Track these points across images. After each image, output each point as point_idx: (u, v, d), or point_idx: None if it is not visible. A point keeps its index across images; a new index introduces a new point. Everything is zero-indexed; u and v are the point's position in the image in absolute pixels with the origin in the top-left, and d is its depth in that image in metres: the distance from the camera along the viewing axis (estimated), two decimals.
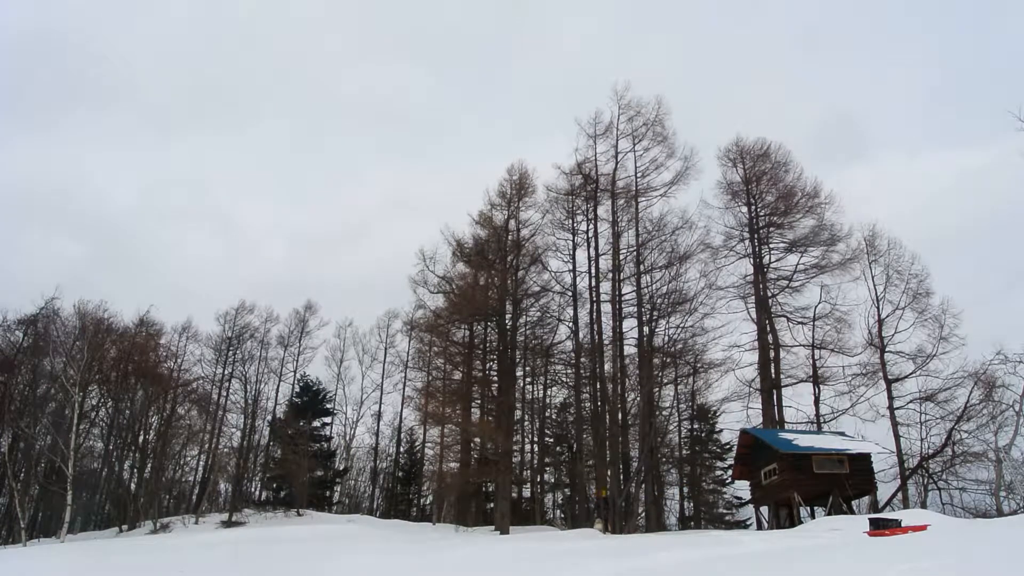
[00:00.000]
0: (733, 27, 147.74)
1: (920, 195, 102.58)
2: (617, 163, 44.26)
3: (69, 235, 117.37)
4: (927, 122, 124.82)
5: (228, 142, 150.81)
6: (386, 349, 59.61)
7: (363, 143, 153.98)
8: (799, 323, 42.84)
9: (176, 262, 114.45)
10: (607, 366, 40.73)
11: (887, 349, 39.66)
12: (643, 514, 38.75)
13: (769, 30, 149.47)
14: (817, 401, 40.70)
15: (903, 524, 18.78)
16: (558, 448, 52.61)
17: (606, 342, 41.43)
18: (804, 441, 33.52)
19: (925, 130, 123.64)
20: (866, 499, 34.63)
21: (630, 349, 41.77)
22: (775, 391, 40.68)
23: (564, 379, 48.95)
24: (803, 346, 42.29)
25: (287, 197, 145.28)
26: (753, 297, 43.20)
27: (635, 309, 41.27)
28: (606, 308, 41.85)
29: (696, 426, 49.86)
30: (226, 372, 56.65)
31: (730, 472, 42.36)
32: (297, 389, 56.42)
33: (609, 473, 37.61)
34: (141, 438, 50.55)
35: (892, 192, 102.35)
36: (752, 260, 44.21)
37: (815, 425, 39.84)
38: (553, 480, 54.03)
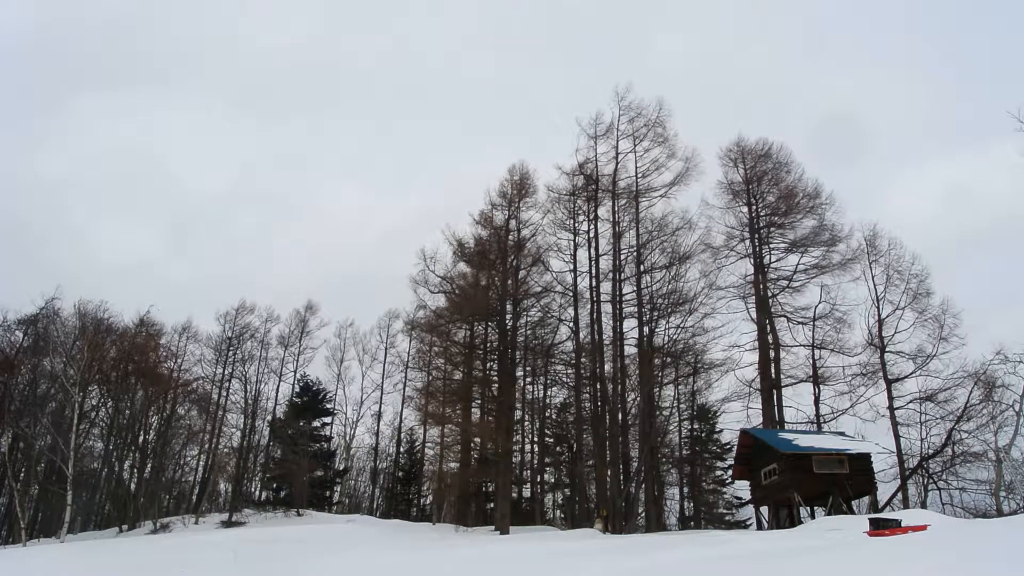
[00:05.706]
0: (736, 26, 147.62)
1: (920, 196, 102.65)
2: (618, 164, 44.37)
3: (150, 224, 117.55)
4: (927, 123, 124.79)
5: (325, 127, 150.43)
6: (386, 349, 59.66)
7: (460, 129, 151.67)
8: (799, 323, 42.80)
9: (263, 250, 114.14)
10: (607, 366, 40.75)
11: (887, 349, 39.57)
12: (643, 514, 38.76)
13: (771, 30, 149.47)
14: (817, 401, 40.65)
15: (903, 524, 18.75)
16: (558, 448, 52.60)
17: (606, 342, 41.48)
18: (804, 441, 33.49)
19: (925, 132, 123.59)
20: (866, 499, 34.61)
21: (630, 349, 41.85)
22: (775, 391, 40.64)
23: (564, 379, 48.93)
24: (803, 346, 42.25)
25: (380, 185, 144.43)
26: (753, 297, 43.13)
27: (635, 309, 41.31)
28: (607, 308, 41.95)
29: (696, 426, 49.87)
30: (226, 372, 56.75)
31: (730, 472, 42.33)
32: (297, 389, 56.49)
33: (609, 473, 37.59)
34: (141, 438, 50.56)
35: (891, 193, 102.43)
36: (752, 260, 44.17)
37: (815, 425, 39.79)
38: (553, 480, 54.02)
